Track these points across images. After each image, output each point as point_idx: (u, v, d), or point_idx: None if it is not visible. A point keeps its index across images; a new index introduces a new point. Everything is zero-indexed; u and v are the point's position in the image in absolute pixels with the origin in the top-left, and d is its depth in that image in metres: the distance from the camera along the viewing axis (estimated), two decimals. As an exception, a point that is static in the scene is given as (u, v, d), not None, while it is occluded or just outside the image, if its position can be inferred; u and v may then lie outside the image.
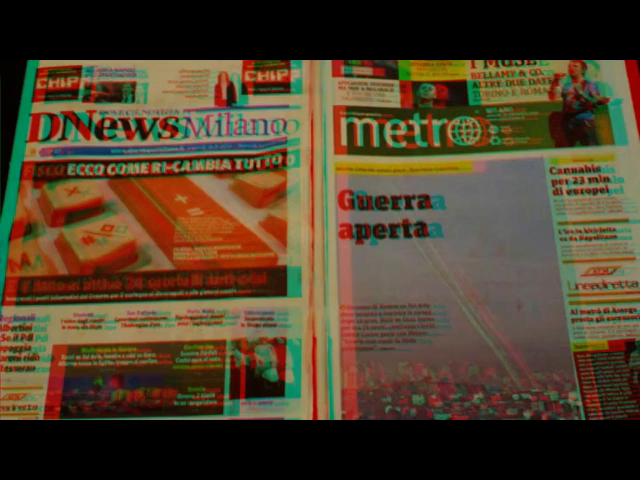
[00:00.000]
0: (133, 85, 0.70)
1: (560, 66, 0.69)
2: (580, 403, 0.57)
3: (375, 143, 0.67)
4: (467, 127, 0.68)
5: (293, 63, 0.70)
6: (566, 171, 0.65)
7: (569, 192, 0.64)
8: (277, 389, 0.58)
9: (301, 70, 0.70)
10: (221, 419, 0.57)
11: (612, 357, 0.58)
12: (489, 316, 0.60)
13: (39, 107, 0.69)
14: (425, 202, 0.64)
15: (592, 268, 0.61)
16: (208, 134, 0.68)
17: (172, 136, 0.68)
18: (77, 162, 0.67)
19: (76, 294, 0.61)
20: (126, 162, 0.67)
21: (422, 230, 0.63)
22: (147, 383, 0.58)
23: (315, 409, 0.57)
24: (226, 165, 0.67)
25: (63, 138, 0.68)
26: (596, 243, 0.62)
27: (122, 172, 0.67)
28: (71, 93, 0.70)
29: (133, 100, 0.70)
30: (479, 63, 0.70)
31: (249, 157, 0.67)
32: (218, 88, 0.70)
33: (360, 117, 0.68)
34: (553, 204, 0.64)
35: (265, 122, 0.68)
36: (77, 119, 0.68)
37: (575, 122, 0.67)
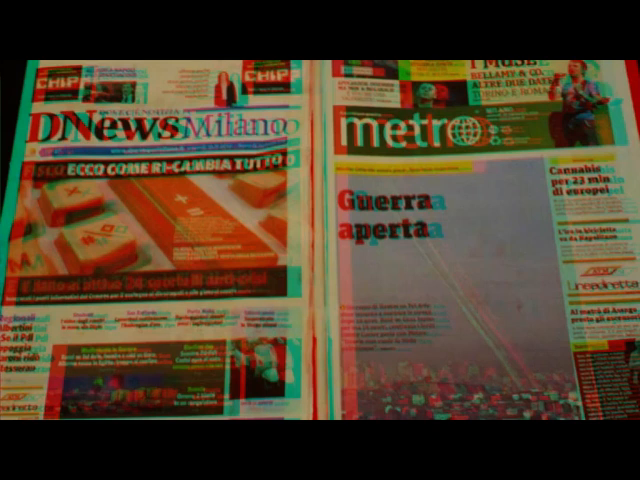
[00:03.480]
0: (133, 85, 0.70)
1: (560, 66, 0.69)
2: (580, 403, 0.57)
3: (375, 143, 0.67)
4: (467, 127, 0.68)
5: (293, 63, 0.70)
6: (566, 171, 0.65)
7: (569, 192, 0.64)
8: (277, 389, 0.58)
9: (301, 70, 0.70)
10: (221, 419, 0.57)
11: (612, 357, 0.58)
12: (489, 316, 0.60)
13: (39, 107, 0.69)
14: (425, 202, 0.64)
15: (592, 268, 0.61)
16: (208, 134, 0.68)
17: (172, 136, 0.68)
18: (77, 162, 0.67)
19: (76, 294, 0.61)
20: (126, 162, 0.67)
21: (422, 230, 0.63)
22: (147, 383, 0.58)
23: (315, 409, 0.57)
24: (226, 165, 0.67)
25: (63, 138, 0.68)
26: (596, 243, 0.62)
27: (122, 172, 0.67)
28: (71, 93, 0.70)
29: (133, 100, 0.70)
30: (479, 63, 0.70)
31: (249, 157, 0.67)
32: (218, 88, 0.70)
33: (360, 117, 0.68)
34: (553, 204, 0.64)
35: (265, 122, 0.68)
36: (77, 119, 0.68)
37: (575, 122, 0.67)
